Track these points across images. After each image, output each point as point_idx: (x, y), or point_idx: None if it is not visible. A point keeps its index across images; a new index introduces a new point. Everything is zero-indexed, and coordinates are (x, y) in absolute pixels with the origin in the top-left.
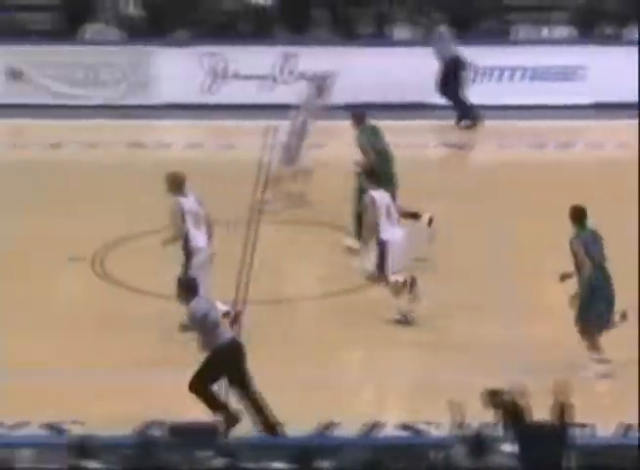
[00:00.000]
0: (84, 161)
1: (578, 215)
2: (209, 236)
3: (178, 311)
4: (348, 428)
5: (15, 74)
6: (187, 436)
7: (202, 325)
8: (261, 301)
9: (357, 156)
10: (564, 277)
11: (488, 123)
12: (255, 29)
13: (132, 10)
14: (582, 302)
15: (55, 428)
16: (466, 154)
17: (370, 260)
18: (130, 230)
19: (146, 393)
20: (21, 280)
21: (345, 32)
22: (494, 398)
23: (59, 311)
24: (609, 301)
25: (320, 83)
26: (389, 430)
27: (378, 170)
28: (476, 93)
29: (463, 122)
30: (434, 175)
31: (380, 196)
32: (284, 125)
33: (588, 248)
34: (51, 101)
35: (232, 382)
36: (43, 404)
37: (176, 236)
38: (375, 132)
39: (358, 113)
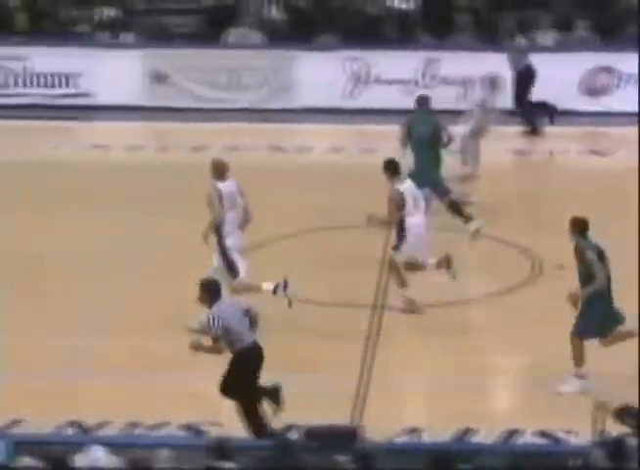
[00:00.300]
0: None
1: (580, 227)
2: (244, 224)
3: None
4: (486, 434)
5: (159, 78)
6: (324, 439)
7: (222, 330)
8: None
9: None
10: (573, 298)
11: (630, 130)
12: (398, 34)
13: (275, 14)
14: (587, 309)
15: (193, 429)
16: (606, 160)
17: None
18: (269, 233)
19: (287, 396)
20: (173, 281)
21: (488, 37)
22: (624, 414)
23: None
24: (611, 315)
25: (493, 83)
26: (528, 437)
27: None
28: (618, 99)
29: (526, 128)
30: (568, 180)
31: (406, 187)
32: None
33: (582, 258)
34: (194, 104)
35: (240, 385)
36: (183, 405)
37: (215, 221)
38: (425, 120)
39: (420, 98)
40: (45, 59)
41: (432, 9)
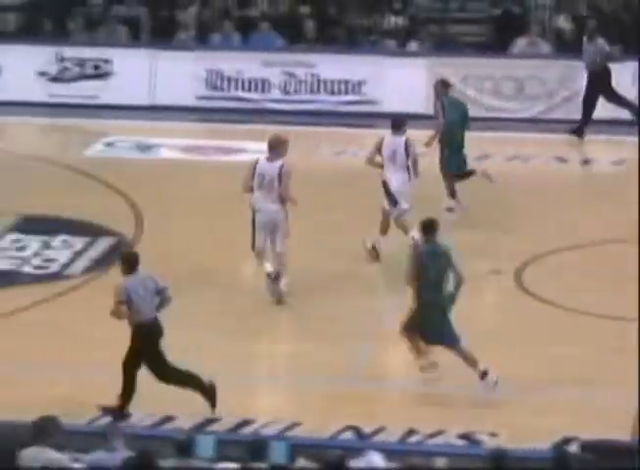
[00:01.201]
0: (507, 173)
1: (425, 228)
2: (278, 202)
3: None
4: None
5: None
6: (601, 453)
7: (128, 300)
8: None
9: None
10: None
11: None
12: None
13: (562, 23)
14: (413, 313)
15: (470, 438)
16: None
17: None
18: (553, 245)
19: (570, 409)
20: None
21: None
22: None
23: (480, 323)
24: (435, 321)
25: None
26: None
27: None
28: None
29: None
30: None
31: (388, 140)
32: None
33: (426, 262)
34: (478, 113)
35: (145, 360)
36: (459, 414)
37: (242, 189)
38: (455, 104)
39: (442, 82)
40: (332, 66)
41: None
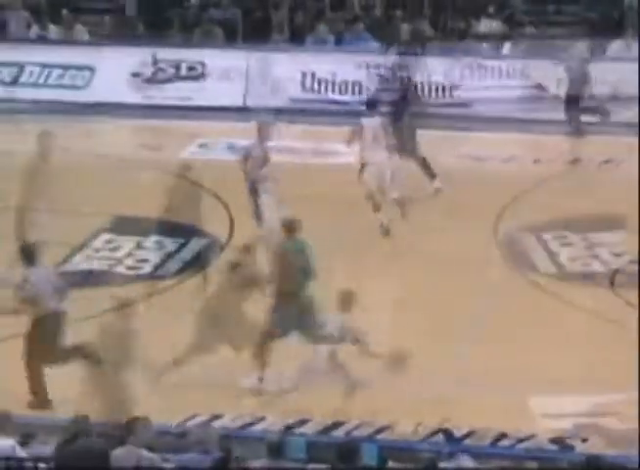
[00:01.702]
0: (600, 177)
1: (287, 226)
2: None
3: None
4: None
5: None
6: None
7: (29, 295)
8: None
9: None
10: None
11: None
12: None
13: None
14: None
15: (561, 443)
16: None
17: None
18: None
19: None
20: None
21: None
22: None
23: (575, 328)
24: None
25: None
26: None
27: None
28: None
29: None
30: None
31: (367, 123)
32: None
33: (290, 257)
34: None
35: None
36: (550, 420)
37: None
38: None
39: None
40: (426, 68)
41: None
